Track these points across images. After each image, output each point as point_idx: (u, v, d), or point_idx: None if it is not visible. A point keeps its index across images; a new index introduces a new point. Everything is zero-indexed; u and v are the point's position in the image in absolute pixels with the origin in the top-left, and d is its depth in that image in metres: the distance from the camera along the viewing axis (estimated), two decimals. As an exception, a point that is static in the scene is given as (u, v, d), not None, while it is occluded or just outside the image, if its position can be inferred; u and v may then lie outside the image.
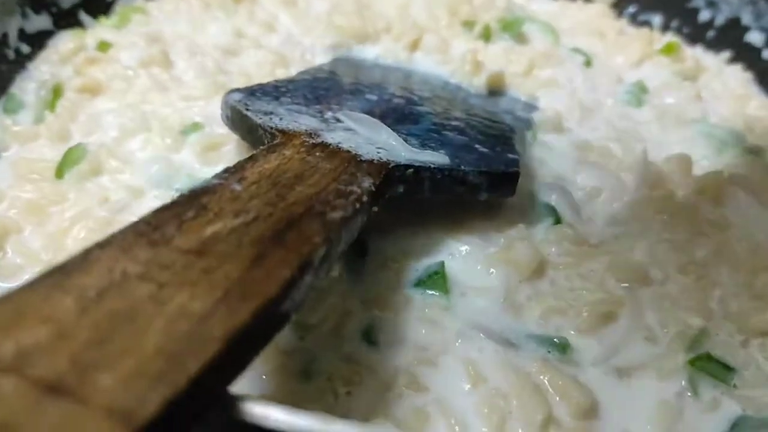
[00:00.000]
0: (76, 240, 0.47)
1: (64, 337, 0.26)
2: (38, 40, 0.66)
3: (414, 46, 0.71)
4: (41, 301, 0.27)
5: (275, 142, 0.46)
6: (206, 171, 0.54)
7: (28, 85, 0.62)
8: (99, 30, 0.69)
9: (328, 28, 0.71)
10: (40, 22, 0.66)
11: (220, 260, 0.32)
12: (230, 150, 0.55)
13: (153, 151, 0.55)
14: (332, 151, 0.46)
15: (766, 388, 0.44)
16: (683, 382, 0.44)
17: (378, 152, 0.47)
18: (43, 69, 0.64)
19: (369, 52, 0.71)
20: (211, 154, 0.55)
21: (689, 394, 0.43)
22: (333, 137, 0.48)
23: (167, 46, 0.66)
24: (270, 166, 0.42)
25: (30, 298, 0.27)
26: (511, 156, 0.53)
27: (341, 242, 0.39)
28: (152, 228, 0.34)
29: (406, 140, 0.50)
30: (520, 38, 0.74)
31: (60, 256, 0.45)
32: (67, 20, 0.69)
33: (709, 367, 0.44)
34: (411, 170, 0.47)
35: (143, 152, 0.55)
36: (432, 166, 0.48)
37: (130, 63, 0.63)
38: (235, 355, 0.28)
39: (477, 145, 0.53)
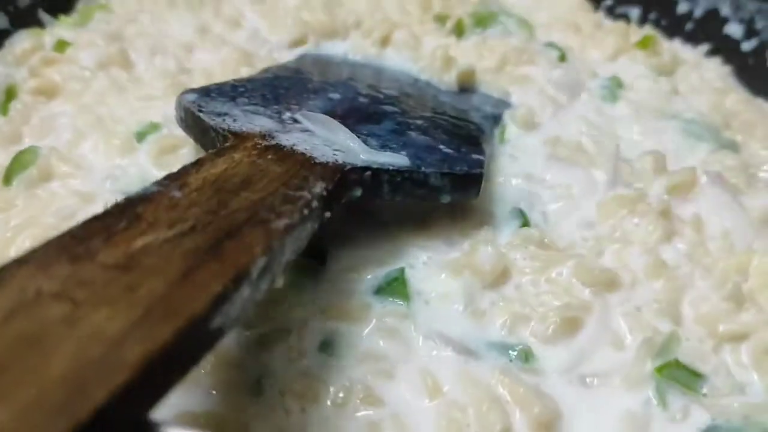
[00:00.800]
0: (20, 249, 0.45)
1: (-40, 366, 0.24)
2: (-6, 41, 0.64)
3: (384, 41, 0.69)
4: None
5: (226, 145, 0.44)
6: (161, 174, 0.52)
7: (-18, 88, 0.60)
8: (58, 29, 0.67)
9: (295, 24, 0.69)
10: (-2, 22, 0.64)
11: (146, 275, 0.30)
12: (187, 153, 0.53)
13: (106, 154, 0.54)
14: (285, 154, 0.44)
15: (737, 395, 0.42)
16: (650, 392, 0.42)
17: (335, 154, 0.45)
18: (-2, 70, 0.62)
19: (338, 48, 0.69)
20: (167, 157, 0.53)
21: (656, 403, 0.42)
22: (288, 139, 0.46)
23: (128, 44, 0.64)
24: (216, 170, 0.41)
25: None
26: (475, 157, 0.51)
27: (285, 252, 0.37)
28: (77, 241, 0.32)
29: (365, 141, 0.48)
30: (496, 34, 0.72)
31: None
32: (24, 19, 0.66)
33: (678, 374, 0.42)
34: (369, 173, 0.45)
35: (96, 156, 0.54)
36: (391, 168, 0.46)
37: (88, 63, 0.61)
38: (153, 379, 0.27)
39: (441, 146, 0.51)
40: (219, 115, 0.48)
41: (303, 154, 0.45)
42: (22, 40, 0.64)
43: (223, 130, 0.46)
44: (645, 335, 0.44)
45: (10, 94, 0.58)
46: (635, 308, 0.46)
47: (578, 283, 0.47)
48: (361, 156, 0.46)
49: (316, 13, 0.71)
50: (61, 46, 0.63)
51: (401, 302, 0.45)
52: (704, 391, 0.42)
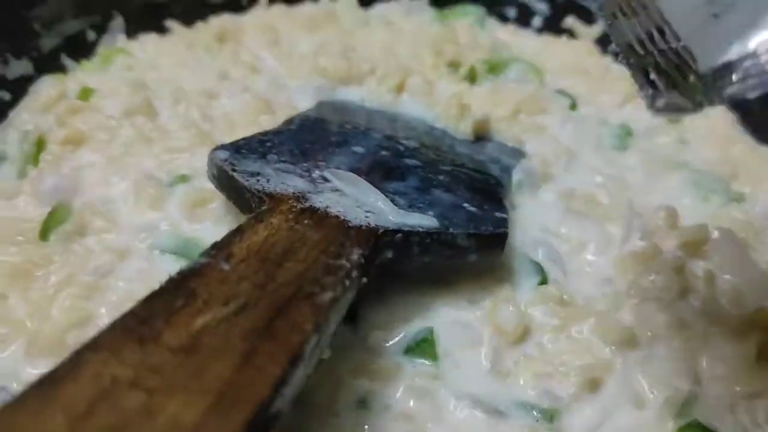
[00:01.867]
0: (62, 309, 0.47)
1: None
2: (19, 87, 0.65)
3: (399, 88, 0.71)
4: (30, 419, 0.27)
5: (263, 209, 0.46)
6: (193, 228, 0.54)
7: (10, 135, 0.61)
8: (80, 74, 0.68)
9: (313, 70, 0.71)
10: (21, 67, 0.65)
11: (210, 358, 0.32)
12: (217, 207, 0.55)
13: (138, 207, 0.55)
14: (320, 217, 0.46)
15: (754, 455, 0.44)
16: (671, 452, 0.44)
17: (366, 216, 0.47)
18: (24, 117, 0.63)
19: (354, 95, 0.71)
20: (198, 211, 0.54)
21: (676, 463, 0.43)
22: (321, 200, 0.48)
23: (150, 92, 0.66)
24: (258, 239, 0.42)
25: (19, 417, 0.27)
26: (499, 215, 0.53)
27: (331, 325, 0.38)
28: (141, 322, 0.33)
29: (393, 200, 0.50)
30: (508, 80, 0.74)
31: (46, 326, 0.45)
32: (47, 64, 0.68)
33: (698, 435, 0.44)
34: (400, 235, 0.47)
35: (127, 209, 0.55)
36: (421, 230, 0.48)
37: (113, 112, 0.63)
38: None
39: (465, 204, 0.53)
40: (252, 175, 0.50)
41: (337, 217, 0.46)
42: (48, 87, 0.65)
43: (258, 191, 0.48)
44: (666, 394, 0.46)
45: (40, 145, 0.59)
46: (655, 367, 0.48)
47: (599, 340, 0.49)
48: (391, 218, 0.48)
49: (333, 59, 0.72)
50: (85, 93, 0.65)
51: (430, 362, 0.47)
52: (722, 451, 0.44)
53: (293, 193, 0.48)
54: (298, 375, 0.34)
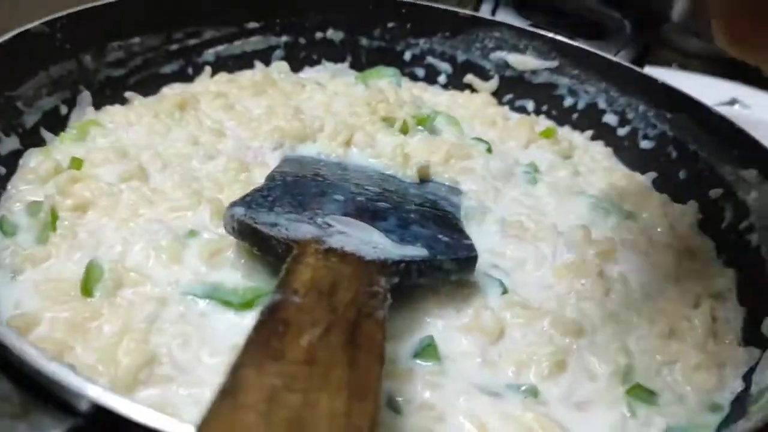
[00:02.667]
0: (127, 352, 0.54)
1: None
2: (11, 161, 0.70)
3: (348, 143, 0.83)
4: (232, 419, 0.36)
5: (295, 253, 0.56)
6: (216, 275, 0.62)
7: (14, 206, 0.66)
8: (62, 146, 0.74)
9: (271, 131, 0.81)
10: (11, 143, 0.71)
11: (328, 366, 0.42)
12: (232, 255, 0.63)
13: (159, 262, 0.62)
14: (341, 255, 0.57)
15: (680, 404, 0.59)
16: (624, 408, 0.58)
17: (375, 252, 0.59)
18: (21, 188, 0.68)
19: (311, 150, 0.82)
20: (216, 260, 0.63)
21: (629, 415, 0.58)
22: (334, 242, 0.59)
23: (136, 158, 0.73)
24: (307, 276, 0.52)
25: (223, 419, 0.36)
26: (467, 242, 0.66)
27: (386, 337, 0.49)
28: (263, 347, 0.43)
29: (388, 237, 0.62)
30: (433, 131, 0.88)
31: (117, 369, 0.53)
32: (31, 138, 0.73)
33: (640, 394, 0.59)
34: (403, 264, 0.59)
35: (150, 264, 0.62)
36: (418, 259, 0.60)
37: (110, 179, 0.70)
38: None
39: (440, 235, 0.66)
40: (272, 225, 0.60)
41: (353, 254, 0.57)
42: (37, 160, 0.71)
43: (285, 239, 0.58)
44: (610, 368, 0.61)
45: (54, 214, 0.65)
46: (600, 349, 0.62)
47: (556, 333, 0.63)
48: (394, 251, 0.60)
49: (287, 120, 0.83)
50: (76, 163, 0.71)
51: (435, 363, 0.59)
52: (660, 402, 0.59)
53: (311, 237, 0.59)
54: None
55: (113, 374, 0.52)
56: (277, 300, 0.48)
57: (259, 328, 0.44)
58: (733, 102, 1.20)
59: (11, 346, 0.42)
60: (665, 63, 1.34)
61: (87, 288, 0.58)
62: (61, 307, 0.57)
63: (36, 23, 0.74)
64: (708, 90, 1.02)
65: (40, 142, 0.75)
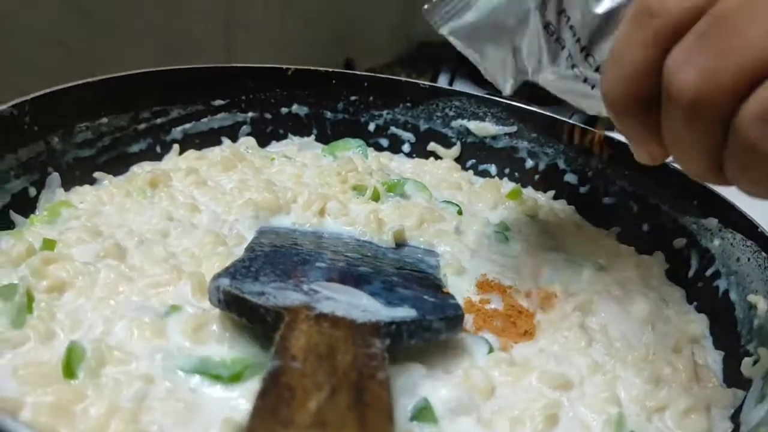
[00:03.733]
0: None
1: None
2: (-19, 246, 0.68)
3: (321, 212, 0.83)
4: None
5: (287, 320, 0.56)
6: (202, 349, 0.61)
7: (-15, 291, 0.64)
8: (33, 228, 0.73)
9: (245, 205, 0.81)
10: (-19, 228, 0.69)
11: (339, 427, 0.41)
12: (216, 329, 0.62)
13: (142, 339, 0.61)
14: (333, 320, 0.57)
15: (672, 450, 0.60)
16: (620, 457, 0.59)
17: (365, 314, 0.59)
18: (-7, 273, 0.67)
19: (285, 221, 0.82)
20: (200, 334, 0.62)
21: (626, 464, 0.58)
22: (323, 307, 0.58)
23: (110, 236, 0.72)
24: (303, 342, 0.52)
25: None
26: (452, 301, 0.67)
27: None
28: (271, 412, 0.42)
29: (375, 300, 0.62)
30: (404, 196, 0.90)
31: (110, 452, 0.51)
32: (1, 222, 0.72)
33: (635, 441, 0.60)
34: (394, 326, 0.59)
35: (133, 341, 0.61)
36: (408, 320, 0.60)
37: (85, 258, 0.68)
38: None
39: (425, 296, 0.66)
40: (260, 294, 0.59)
41: (344, 318, 0.57)
42: (10, 244, 0.69)
43: (274, 306, 0.57)
44: (602, 418, 0.61)
45: (30, 296, 0.63)
46: (589, 399, 0.63)
47: (545, 387, 0.63)
48: (383, 312, 0.60)
49: (259, 193, 0.83)
50: (49, 244, 0.70)
51: (433, 425, 0.58)
52: (653, 449, 0.60)
53: (300, 304, 0.58)
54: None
55: (106, 458, 0.50)
56: (277, 366, 0.47)
57: (265, 395, 0.44)
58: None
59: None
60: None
61: (69, 369, 0.56)
62: (43, 391, 0.54)
63: (3, 106, 0.73)
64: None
65: (10, 225, 0.73)
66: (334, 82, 1.02)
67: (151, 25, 1.31)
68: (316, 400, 0.44)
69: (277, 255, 0.70)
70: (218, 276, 0.62)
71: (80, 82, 0.82)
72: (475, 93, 1.03)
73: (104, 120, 0.86)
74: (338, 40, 1.80)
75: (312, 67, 1.02)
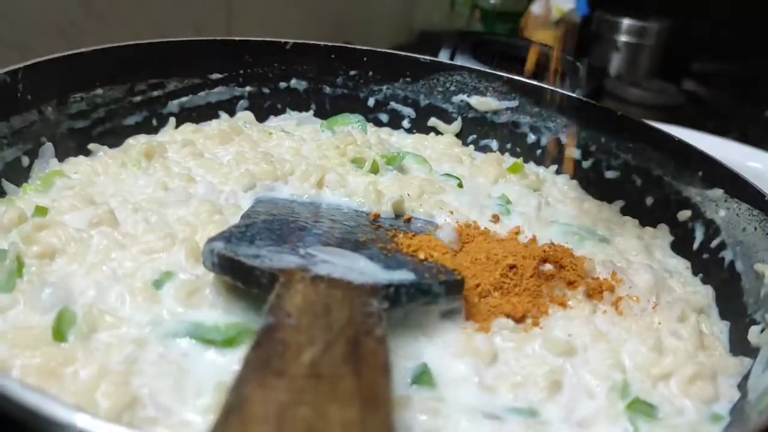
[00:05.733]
0: (107, 395, 0.50)
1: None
2: (-29, 213, 0.67)
3: (320, 184, 0.82)
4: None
5: (282, 280, 0.54)
6: (193, 314, 0.59)
7: (-24, 257, 0.63)
8: (26, 197, 0.72)
9: (243, 175, 0.80)
10: (-27, 195, 0.68)
11: (334, 378, 0.40)
12: (210, 293, 0.61)
13: (135, 305, 0.59)
14: (330, 282, 0.55)
15: (680, 416, 0.58)
16: (626, 423, 0.57)
17: (362, 277, 0.57)
18: (-16, 239, 0.65)
19: (283, 191, 0.80)
20: (194, 299, 0.60)
21: (632, 430, 0.57)
22: (320, 270, 0.57)
23: (105, 204, 0.70)
24: (299, 300, 0.50)
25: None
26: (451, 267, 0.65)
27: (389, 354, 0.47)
28: (263, 364, 0.41)
29: (373, 263, 0.60)
30: (403, 169, 0.88)
31: (98, 411, 0.49)
32: (-8, 190, 0.71)
33: (640, 408, 0.58)
34: (392, 288, 0.57)
35: (126, 307, 0.59)
36: (406, 282, 0.59)
37: (78, 225, 0.67)
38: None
39: (424, 262, 0.64)
40: (255, 257, 0.58)
41: (341, 279, 0.56)
42: (1, 211, 0.67)
43: (269, 269, 0.56)
44: (607, 384, 0.60)
45: (20, 261, 0.61)
46: (594, 366, 0.61)
47: (548, 354, 0.62)
48: (381, 275, 0.58)
49: (257, 165, 0.82)
50: (41, 211, 0.68)
51: (432, 389, 0.57)
52: (660, 416, 0.58)
53: (296, 266, 0.57)
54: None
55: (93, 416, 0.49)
56: (271, 323, 0.46)
57: (257, 348, 0.42)
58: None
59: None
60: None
61: (59, 333, 0.55)
62: (32, 353, 0.53)
63: (-4, 73, 0.72)
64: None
65: (2, 194, 0.71)
66: (333, 56, 1.01)
67: (151, 12, 1.30)
68: (310, 353, 0.42)
69: (273, 222, 0.69)
70: (212, 239, 0.61)
71: (74, 51, 0.81)
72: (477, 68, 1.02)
73: (99, 91, 0.84)
74: (339, 28, 1.79)
75: (311, 41, 1.00)
